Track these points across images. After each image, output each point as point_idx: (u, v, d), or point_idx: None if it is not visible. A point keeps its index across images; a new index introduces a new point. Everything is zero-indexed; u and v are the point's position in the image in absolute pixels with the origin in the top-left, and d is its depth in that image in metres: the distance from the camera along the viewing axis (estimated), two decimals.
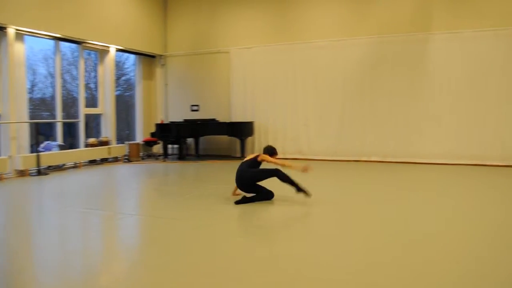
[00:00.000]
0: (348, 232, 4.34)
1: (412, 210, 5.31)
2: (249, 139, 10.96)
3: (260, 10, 11.05)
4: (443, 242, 3.95)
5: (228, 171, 8.99)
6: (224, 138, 11.29)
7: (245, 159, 5.99)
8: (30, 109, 8.98)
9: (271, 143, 10.78)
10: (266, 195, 5.62)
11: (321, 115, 10.39)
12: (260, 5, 11.03)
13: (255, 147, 11.09)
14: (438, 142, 9.38)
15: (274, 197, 5.65)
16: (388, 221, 4.74)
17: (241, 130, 10.52)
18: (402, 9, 9.67)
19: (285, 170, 5.54)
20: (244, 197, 5.58)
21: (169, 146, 11.32)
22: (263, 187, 5.63)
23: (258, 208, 5.40)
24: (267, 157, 5.73)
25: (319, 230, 4.52)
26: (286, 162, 5.80)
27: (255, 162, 5.76)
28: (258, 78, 11.01)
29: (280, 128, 10.83)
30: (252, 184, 5.62)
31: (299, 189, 5.47)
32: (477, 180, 7.61)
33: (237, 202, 5.51)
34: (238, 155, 10.78)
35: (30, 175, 8.32)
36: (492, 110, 8.98)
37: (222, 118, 11.23)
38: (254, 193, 5.64)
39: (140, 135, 11.88)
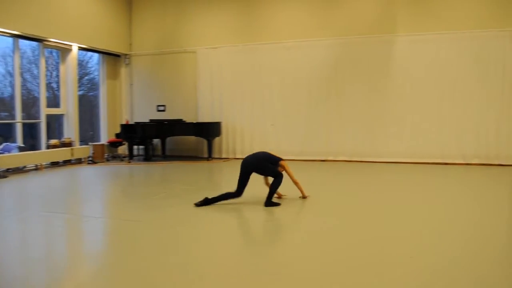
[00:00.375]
0: (310, 233, 4.37)
1: (377, 208, 5.41)
2: (217, 139, 10.90)
3: (227, 10, 11.02)
4: (413, 239, 4.05)
5: (195, 172, 8.93)
6: (191, 138, 11.19)
7: (265, 151, 5.89)
8: None
9: (239, 143, 10.91)
10: (233, 195, 5.57)
11: (288, 115, 10.45)
12: (228, 5, 11.00)
13: (222, 148, 11.05)
14: (401, 142, 9.62)
15: (239, 199, 5.60)
16: (355, 220, 4.81)
17: (208, 130, 10.45)
18: (367, 11, 9.87)
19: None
20: (206, 198, 5.50)
21: (135, 147, 11.12)
22: (245, 184, 5.55)
23: (224, 209, 5.38)
24: (287, 166, 5.68)
25: (282, 230, 4.54)
26: (298, 180, 5.76)
27: (275, 161, 5.67)
28: (225, 78, 10.97)
29: (248, 128, 10.83)
30: (253, 172, 5.55)
31: (269, 203, 5.43)
32: (438, 178, 7.84)
33: (197, 205, 5.41)
34: (205, 155, 10.72)
35: None
36: (452, 111, 9.28)
37: (189, 118, 11.12)
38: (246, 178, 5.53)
39: (105, 136, 11.62)
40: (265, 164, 5.59)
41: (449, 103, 9.29)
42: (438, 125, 9.38)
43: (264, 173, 5.62)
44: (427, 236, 4.17)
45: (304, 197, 5.80)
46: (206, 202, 5.45)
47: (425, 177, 7.98)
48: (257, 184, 5.69)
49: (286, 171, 5.65)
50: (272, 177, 5.53)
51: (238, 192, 5.52)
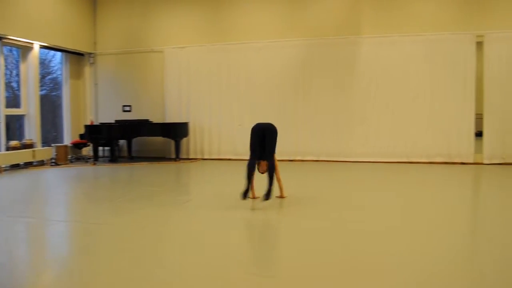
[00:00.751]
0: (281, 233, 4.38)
1: (346, 208, 5.47)
2: (184, 140, 10.80)
3: (195, 10, 10.93)
4: (382, 237, 4.12)
5: (162, 173, 8.81)
6: (158, 139, 11.03)
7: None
8: None
9: (206, 144, 10.84)
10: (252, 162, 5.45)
11: (256, 115, 10.40)
12: (196, 5, 10.91)
13: (190, 148, 10.96)
14: (367, 141, 9.80)
15: (209, 202, 5.56)
16: (318, 219, 4.85)
17: (176, 131, 10.34)
18: (334, 13, 10.01)
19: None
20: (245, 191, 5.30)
21: (100, 148, 10.87)
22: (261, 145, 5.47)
23: (192, 211, 5.33)
24: (276, 160, 5.58)
25: (248, 231, 4.54)
26: (280, 176, 5.67)
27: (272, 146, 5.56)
28: (193, 78, 10.87)
29: (216, 129, 10.77)
30: (266, 136, 5.51)
31: (268, 194, 5.33)
32: (404, 176, 8.02)
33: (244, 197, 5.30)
34: (173, 156, 10.60)
35: None
36: (416, 111, 9.53)
37: (156, 118, 10.97)
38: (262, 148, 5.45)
39: (68, 137, 11.30)
40: (275, 136, 5.54)
41: (413, 103, 9.54)
42: (403, 124, 9.61)
43: (271, 142, 5.50)
44: (389, 232, 4.26)
45: (282, 197, 5.76)
46: (246, 191, 5.30)
47: (389, 175, 8.15)
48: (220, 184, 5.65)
49: (275, 164, 5.53)
50: (269, 157, 5.42)
51: (255, 155, 5.44)
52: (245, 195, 5.29)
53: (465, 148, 9.36)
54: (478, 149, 9.38)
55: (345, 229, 4.45)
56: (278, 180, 5.69)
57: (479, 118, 9.46)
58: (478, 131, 9.71)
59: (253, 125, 5.69)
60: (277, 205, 5.51)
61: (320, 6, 10.10)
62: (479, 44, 9.28)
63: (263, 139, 5.48)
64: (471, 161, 9.32)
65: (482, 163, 9.24)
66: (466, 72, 9.26)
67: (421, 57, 9.47)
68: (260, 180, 5.63)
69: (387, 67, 9.65)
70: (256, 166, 5.52)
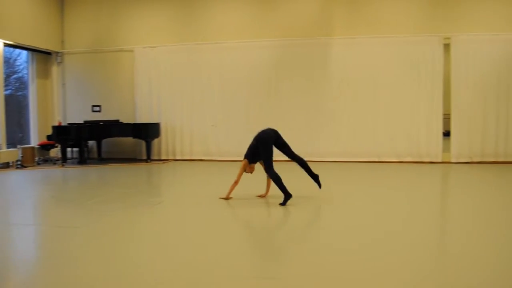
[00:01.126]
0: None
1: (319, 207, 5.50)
2: (156, 140, 10.65)
3: (166, 10, 10.79)
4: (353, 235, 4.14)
5: (133, 174, 8.66)
6: (129, 140, 10.84)
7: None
8: None
9: (178, 145, 10.71)
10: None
11: (228, 115, 10.42)
12: (166, 4, 10.78)
13: (161, 149, 10.81)
14: (339, 141, 9.90)
15: (182, 203, 5.49)
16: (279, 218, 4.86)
17: (147, 131, 10.18)
18: (305, 14, 10.08)
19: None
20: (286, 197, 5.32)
21: (68, 149, 10.60)
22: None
23: (165, 212, 5.25)
24: (245, 162, 5.60)
25: (220, 231, 4.50)
26: (238, 178, 5.64)
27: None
28: (164, 78, 10.73)
29: (188, 129, 10.67)
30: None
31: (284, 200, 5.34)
32: (374, 176, 8.13)
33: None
34: (144, 157, 10.44)
35: None
36: (386, 111, 9.69)
37: (126, 119, 10.77)
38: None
39: (35, 138, 10.97)
40: (263, 145, 5.52)
41: (383, 103, 9.71)
42: (373, 125, 9.76)
43: (262, 152, 5.53)
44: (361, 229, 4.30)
45: (226, 198, 5.67)
46: (286, 199, 5.30)
47: (359, 174, 8.25)
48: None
49: (241, 167, 5.57)
50: (265, 167, 5.49)
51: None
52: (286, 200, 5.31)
53: (433, 147, 9.59)
54: (446, 148, 9.62)
55: (307, 226, 4.46)
56: (235, 182, 5.63)
57: (447, 118, 9.71)
58: (446, 131, 9.97)
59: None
60: (249, 205, 5.49)
61: (292, 7, 10.15)
62: (446, 46, 9.52)
63: (256, 147, 5.55)
64: (439, 160, 9.54)
65: (450, 162, 9.47)
66: (434, 73, 9.49)
67: (390, 58, 9.65)
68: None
69: (357, 68, 9.78)
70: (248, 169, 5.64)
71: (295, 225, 4.78)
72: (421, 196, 6.25)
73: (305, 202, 5.59)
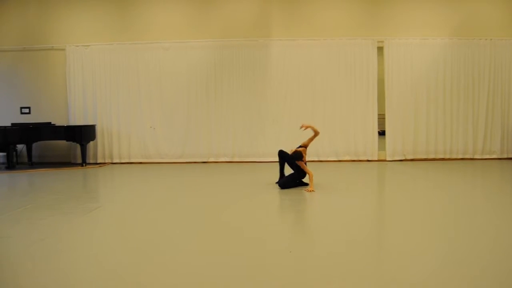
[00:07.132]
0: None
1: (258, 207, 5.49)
2: (91, 143, 10.22)
3: (100, 6, 10.36)
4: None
5: (67, 179, 8.24)
6: (62, 143, 10.33)
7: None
8: None
9: (116, 147, 10.33)
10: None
11: (167, 117, 10.21)
12: (101, 1, 10.35)
13: (97, 152, 10.37)
14: (279, 142, 9.93)
15: (119, 208, 5.28)
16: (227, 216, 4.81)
17: (81, 134, 9.72)
18: (243, 15, 10.10)
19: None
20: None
21: None
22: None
23: (101, 218, 5.02)
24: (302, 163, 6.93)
25: (158, 235, 4.37)
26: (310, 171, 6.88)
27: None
28: (99, 78, 10.31)
29: (126, 131, 10.32)
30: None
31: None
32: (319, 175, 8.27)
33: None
34: (79, 161, 9.99)
35: None
36: (324, 111, 9.94)
37: (59, 121, 10.25)
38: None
39: None
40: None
41: (321, 104, 9.95)
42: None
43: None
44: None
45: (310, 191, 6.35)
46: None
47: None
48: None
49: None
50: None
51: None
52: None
53: (370, 146, 9.95)
54: (382, 147, 10.02)
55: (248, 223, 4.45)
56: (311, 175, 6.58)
57: (381, 118, 10.11)
58: (381, 130, 10.37)
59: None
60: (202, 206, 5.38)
61: (231, 8, 10.13)
62: (380, 49, 9.92)
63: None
64: (375, 158, 9.91)
65: (385, 160, 9.87)
66: (369, 75, 9.86)
67: (328, 60, 9.91)
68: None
69: (296, 70, 9.95)
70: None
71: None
72: (359, 194, 6.42)
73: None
